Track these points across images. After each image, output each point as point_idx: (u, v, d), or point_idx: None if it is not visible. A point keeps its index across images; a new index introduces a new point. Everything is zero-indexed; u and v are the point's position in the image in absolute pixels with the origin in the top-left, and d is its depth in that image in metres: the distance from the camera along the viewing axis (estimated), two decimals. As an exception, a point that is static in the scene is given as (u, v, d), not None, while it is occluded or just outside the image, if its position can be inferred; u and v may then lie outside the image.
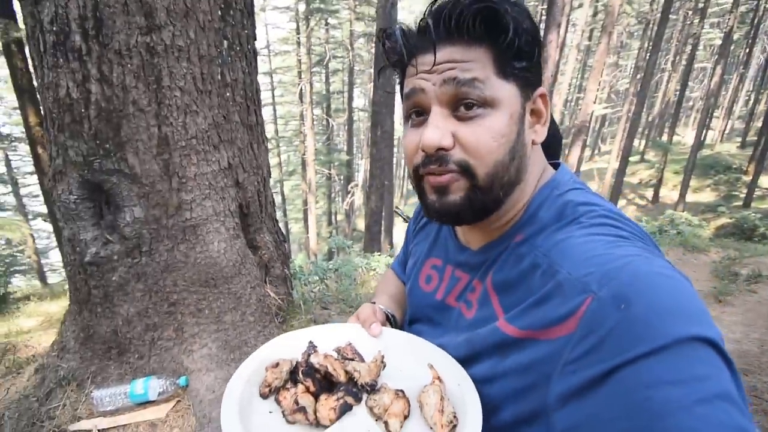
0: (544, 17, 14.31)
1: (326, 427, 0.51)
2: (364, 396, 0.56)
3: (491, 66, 0.49)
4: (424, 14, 0.51)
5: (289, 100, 20.64)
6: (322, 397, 0.54)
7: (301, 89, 15.17)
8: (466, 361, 0.56)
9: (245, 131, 1.78)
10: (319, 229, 17.69)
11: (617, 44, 20.65)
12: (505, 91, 0.50)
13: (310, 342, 0.64)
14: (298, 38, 15.48)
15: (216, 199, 1.65)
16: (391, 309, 0.79)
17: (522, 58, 0.50)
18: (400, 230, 19.25)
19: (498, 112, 0.50)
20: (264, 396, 0.56)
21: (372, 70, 14.92)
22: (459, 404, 0.52)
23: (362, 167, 17.77)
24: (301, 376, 0.56)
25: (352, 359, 0.61)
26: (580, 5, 14.97)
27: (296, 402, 0.53)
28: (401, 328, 0.79)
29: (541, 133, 0.55)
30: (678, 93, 19.35)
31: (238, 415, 0.50)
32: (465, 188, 0.52)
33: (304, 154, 15.98)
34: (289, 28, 17.69)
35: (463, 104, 0.50)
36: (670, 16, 15.54)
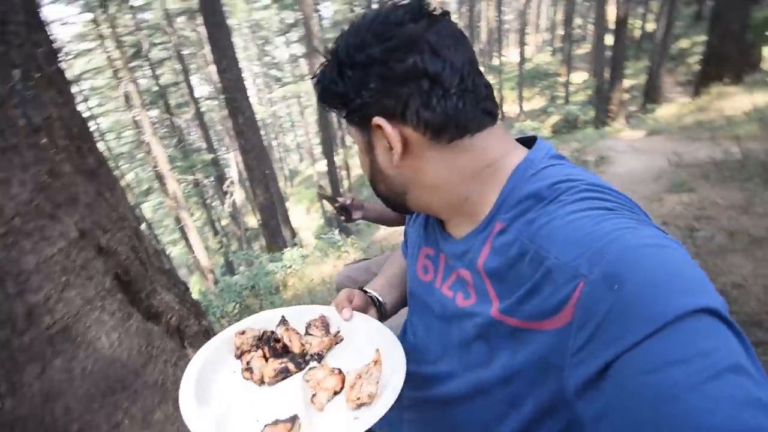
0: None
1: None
2: (313, 364, 0.64)
3: (344, 117, 0.60)
4: None
5: (112, 108, 17.27)
6: (270, 360, 0.63)
7: (125, 92, 12.76)
8: (482, 364, 0.54)
9: (86, 180, 1.34)
10: (206, 242, 15.91)
11: (436, -19, 21.85)
12: (355, 134, 0.60)
13: (282, 316, 0.73)
14: (99, 31, 12.74)
15: (80, 284, 1.23)
16: (383, 292, 0.82)
17: (345, 108, 0.58)
18: (296, 214, 18.51)
19: (358, 147, 0.62)
20: (237, 357, 0.67)
21: (207, 51, 13.20)
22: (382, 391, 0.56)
23: (232, 161, 16.16)
24: (261, 343, 0.67)
25: (312, 335, 0.68)
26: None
27: (247, 362, 0.63)
28: (393, 309, 0.83)
29: (396, 156, 0.56)
30: (497, 18, 21.65)
31: (198, 371, 0.61)
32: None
33: (156, 167, 13.78)
34: (82, 20, 14.24)
35: None
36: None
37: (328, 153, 11.36)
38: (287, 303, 3.31)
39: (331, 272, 4.27)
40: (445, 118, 0.52)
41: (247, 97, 7.53)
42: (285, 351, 0.65)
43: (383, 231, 5.20)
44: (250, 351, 0.65)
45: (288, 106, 32.29)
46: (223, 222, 19.58)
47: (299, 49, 19.51)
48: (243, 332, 0.68)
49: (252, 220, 18.56)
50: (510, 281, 0.49)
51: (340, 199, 1.50)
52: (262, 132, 9.46)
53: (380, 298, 0.80)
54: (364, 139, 0.59)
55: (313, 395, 0.57)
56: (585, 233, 0.42)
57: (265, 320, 0.73)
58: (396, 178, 0.59)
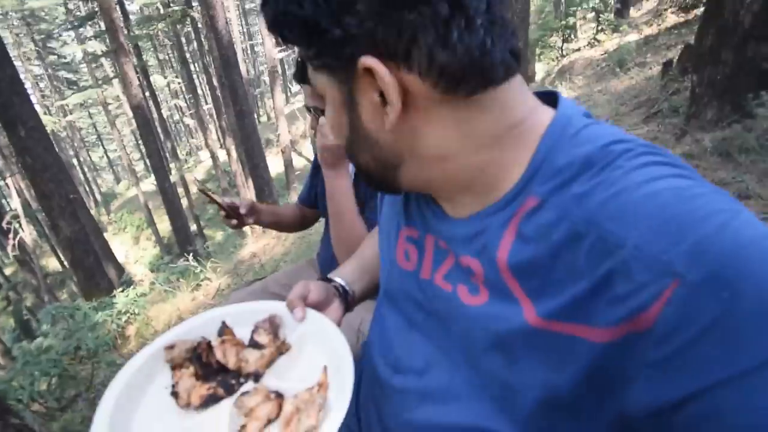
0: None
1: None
2: (249, 384, 0.56)
3: (308, 59, 0.45)
4: None
5: None
6: (198, 383, 0.56)
7: None
8: (506, 395, 0.42)
9: None
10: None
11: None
12: (320, 82, 0.46)
13: (223, 322, 0.64)
14: None
15: None
16: (352, 279, 0.73)
17: (312, 44, 0.42)
18: (120, 247, 15.09)
19: (328, 103, 0.48)
20: (172, 369, 0.58)
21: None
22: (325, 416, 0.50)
23: (11, 188, 12.15)
24: (194, 357, 0.58)
25: (258, 344, 0.60)
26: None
27: (173, 385, 0.56)
28: (363, 296, 0.74)
29: (392, 115, 0.40)
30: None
31: (126, 382, 0.56)
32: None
33: None
34: None
35: None
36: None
37: (158, 168, 9.65)
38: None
39: (191, 307, 3.55)
40: (468, 62, 0.38)
41: (31, 103, 5.72)
42: (221, 368, 0.58)
43: (251, 247, 4.61)
44: (182, 366, 0.58)
45: (91, 115, 26.57)
46: (8, 271, 14.58)
47: (99, 46, 16.02)
48: (172, 346, 0.59)
49: (53, 263, 14.49)
50: (553, 276, 0.38)
51: (228, 200, 1.15)
52: (53, 144, 7.29)
53: (347, 287, 0.71)
54: (339, 89, 0.43)
55: (243, 426, 0.50)
56: (673, 213, 0.32)
57: (202, 325, 0.64)
58: (388, 145, 0.44)
